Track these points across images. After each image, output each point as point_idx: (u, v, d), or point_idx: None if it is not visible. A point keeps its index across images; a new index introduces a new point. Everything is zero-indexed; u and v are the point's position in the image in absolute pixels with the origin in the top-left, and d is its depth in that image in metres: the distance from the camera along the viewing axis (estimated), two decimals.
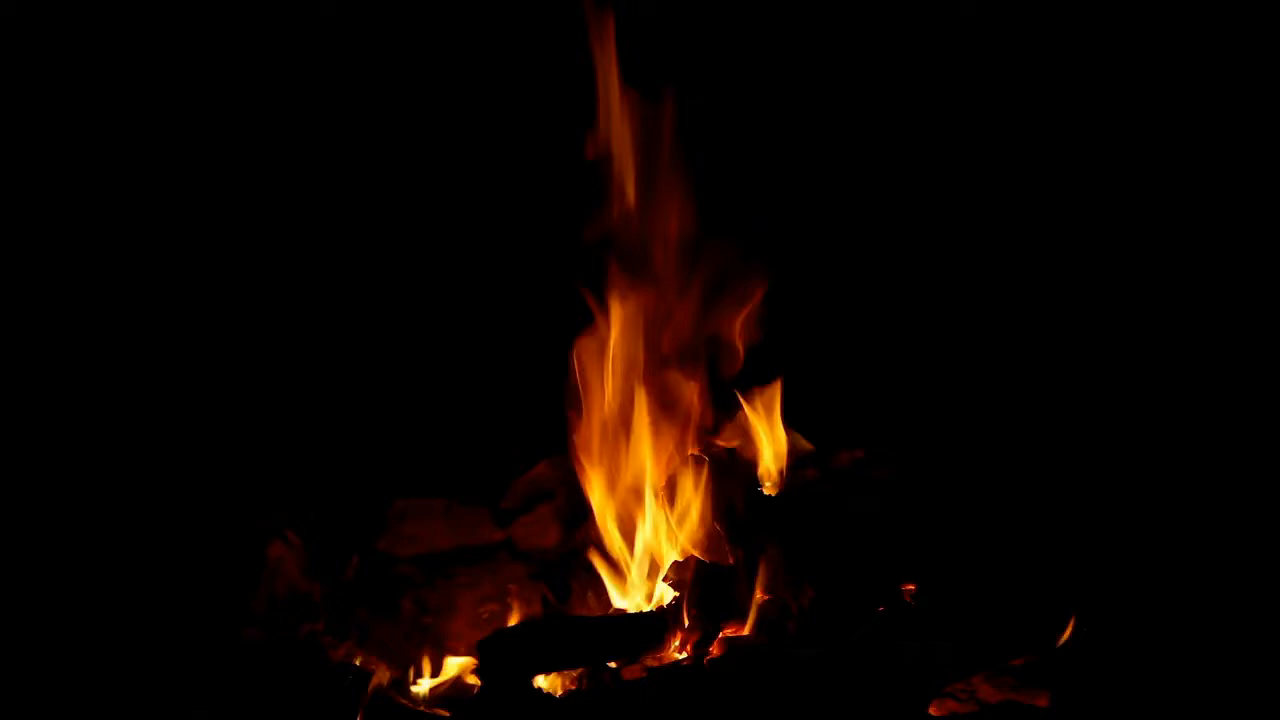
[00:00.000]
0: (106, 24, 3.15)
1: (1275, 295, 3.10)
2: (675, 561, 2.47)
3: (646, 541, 2.61)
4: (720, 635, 2.39)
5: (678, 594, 2.42)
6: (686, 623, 2.39)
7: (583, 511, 2.82)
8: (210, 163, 3.24)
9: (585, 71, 2.74)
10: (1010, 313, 3.28)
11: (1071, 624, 2.38)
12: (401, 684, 2.53)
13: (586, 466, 2.65)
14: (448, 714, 2.48)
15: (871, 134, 3.31)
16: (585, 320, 2.72)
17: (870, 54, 3.31)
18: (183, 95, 3.22)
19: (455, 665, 2.53)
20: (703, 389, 2.69)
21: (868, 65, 3.31)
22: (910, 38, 3.31)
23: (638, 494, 2.63)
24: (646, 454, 2.64)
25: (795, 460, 2.71)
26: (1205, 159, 3.19)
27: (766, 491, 2.64)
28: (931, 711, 2.30)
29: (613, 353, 2.68)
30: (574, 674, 2.37)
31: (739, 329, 2.72)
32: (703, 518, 2.53)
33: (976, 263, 3.31)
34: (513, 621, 2.58)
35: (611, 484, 2.65)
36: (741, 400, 2.69)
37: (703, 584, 2.41)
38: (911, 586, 2.47)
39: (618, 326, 2.68)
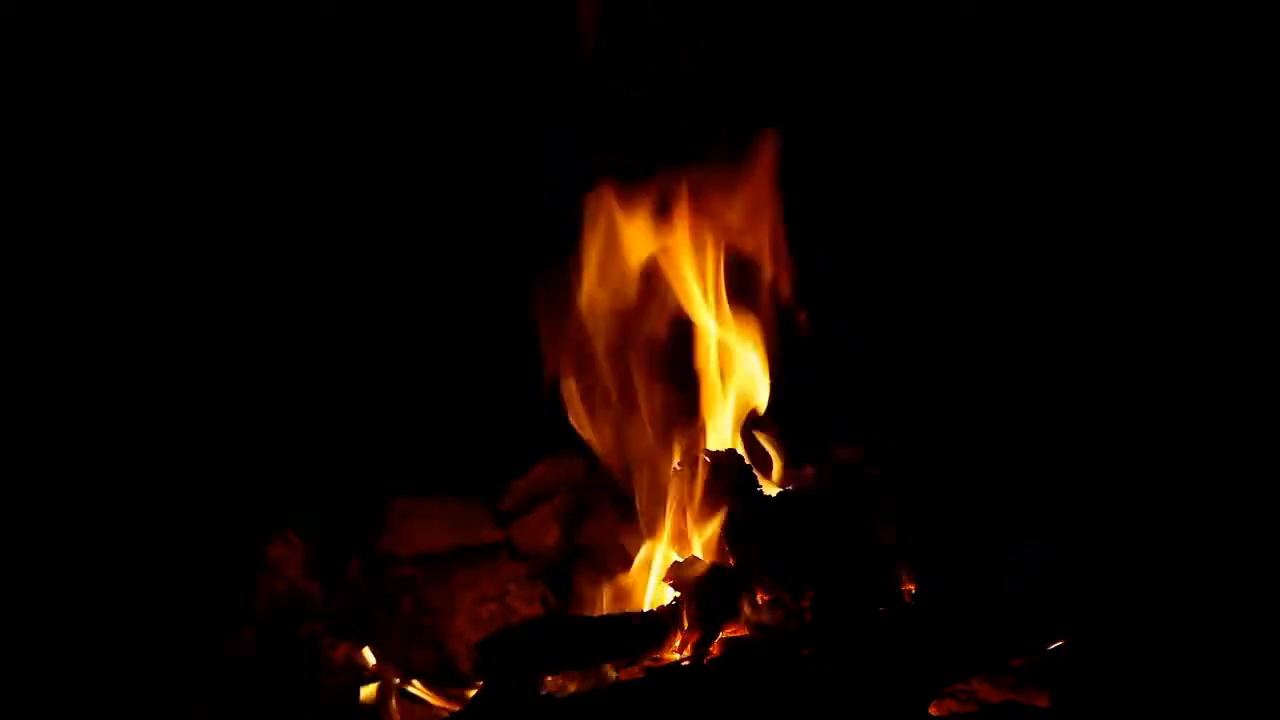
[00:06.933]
0: (106, 24, 3.15)
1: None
2: (675, 561, 2.47)
3: (648, 541, 2.62)
4: (720, 635, 2.39)
5: (678, 594, 2.42)
6: (686, 623, 2.39)
7: (583, 511, 2.83)
8: (209, 163, 3.24)
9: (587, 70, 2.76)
10: (1009, 313, 3.28)
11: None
12: (402, 684, 2.53)
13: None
14: (447, 714, 2.49)
15: (865, 132, 3.32)
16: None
17: (866, 56, 3.31)
18: (181, 95, 3.22)
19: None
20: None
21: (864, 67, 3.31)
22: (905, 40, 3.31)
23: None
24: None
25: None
26: (1207, 159, 3.19)
27: (766, 491, 2.63)
28: (931, 711, 2.30)
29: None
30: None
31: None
32: (703, 518, 2.53)
33: (974, 262, 3.31)
34: (513, 621, 2.58)
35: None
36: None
37: (703, 584, 2.40)
38: (911, 586, 2.48)
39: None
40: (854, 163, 3.28)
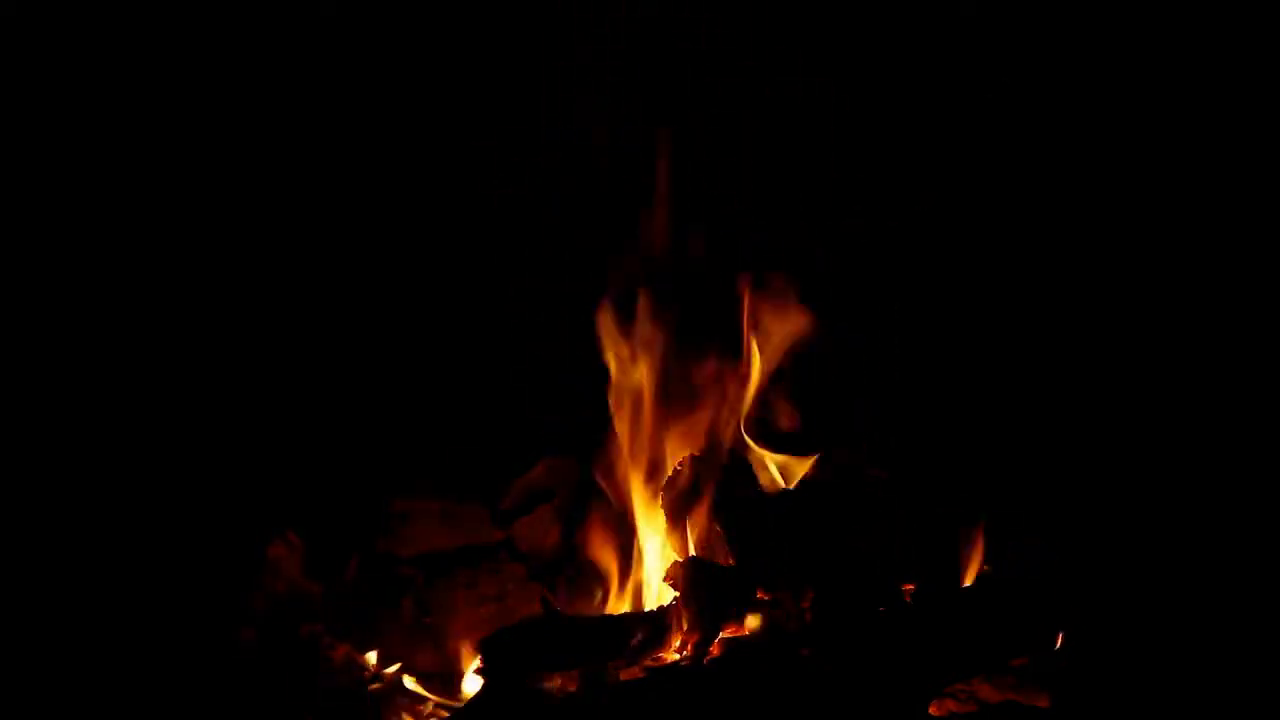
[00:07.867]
0: (106, 24, 3.16)
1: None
2: (675, 561, 2.47)
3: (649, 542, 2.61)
4: (720, 635, 2.39)
5: (677, 594, 2.42)
6: (686, 623, 2.39)
7: (583, 511, 2.83)
8: (208, 163, 3.24)
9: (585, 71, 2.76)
10: (1009, 312, 3.28)
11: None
12: (401, 684, 2.53)
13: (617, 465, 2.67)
14: (447, 714, 2.49)
15: (865, 132, 3.32)
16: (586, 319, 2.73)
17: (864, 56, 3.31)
18: (182, 95, 3.22)
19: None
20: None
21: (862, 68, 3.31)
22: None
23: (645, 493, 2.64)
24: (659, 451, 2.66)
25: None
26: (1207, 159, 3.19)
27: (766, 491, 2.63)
28: (931, 711, 2.30)
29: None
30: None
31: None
32: (703, 517, 2.52)
33: (974, 262, 3.31)
34: (513, 622, 2.58)
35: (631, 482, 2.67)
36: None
37: (702, 584, 2.40)
38: (911, 586, 2.48)
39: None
40: (854, 163, 3.29)
